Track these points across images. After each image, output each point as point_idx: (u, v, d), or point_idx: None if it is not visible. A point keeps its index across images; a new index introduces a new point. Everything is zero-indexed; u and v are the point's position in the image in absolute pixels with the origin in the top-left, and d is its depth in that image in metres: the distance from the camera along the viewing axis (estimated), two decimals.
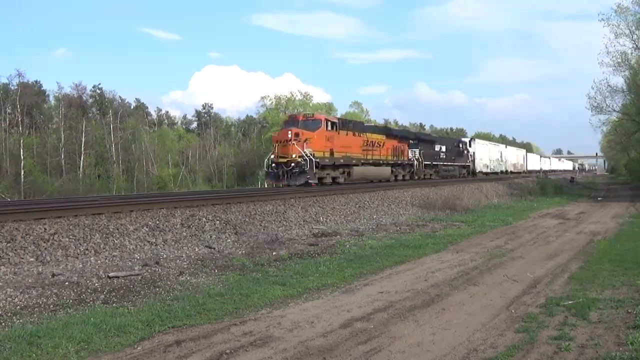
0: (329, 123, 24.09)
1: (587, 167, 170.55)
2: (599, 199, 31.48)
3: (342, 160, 24.37)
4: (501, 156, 58.17)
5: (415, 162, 32.87)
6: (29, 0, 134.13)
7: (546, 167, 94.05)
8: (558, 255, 10.89)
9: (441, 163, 37.97)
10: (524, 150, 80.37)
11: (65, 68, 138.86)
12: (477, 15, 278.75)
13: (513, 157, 65.50)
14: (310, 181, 21.73)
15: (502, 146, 63.68)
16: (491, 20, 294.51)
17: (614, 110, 40.68)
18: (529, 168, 78.83)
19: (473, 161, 46.49)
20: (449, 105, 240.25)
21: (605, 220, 18.46)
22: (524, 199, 29.39)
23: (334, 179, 24.11)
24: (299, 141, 21.86)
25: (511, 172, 62.77)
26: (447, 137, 57.78)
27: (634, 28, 34.39)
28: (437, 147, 37.93)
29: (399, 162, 30.81)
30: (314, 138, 22.31)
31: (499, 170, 56.24)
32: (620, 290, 7.57)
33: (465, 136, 70.45)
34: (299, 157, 21.59)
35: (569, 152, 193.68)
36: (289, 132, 22.28)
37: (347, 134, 24.92)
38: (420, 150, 33.56)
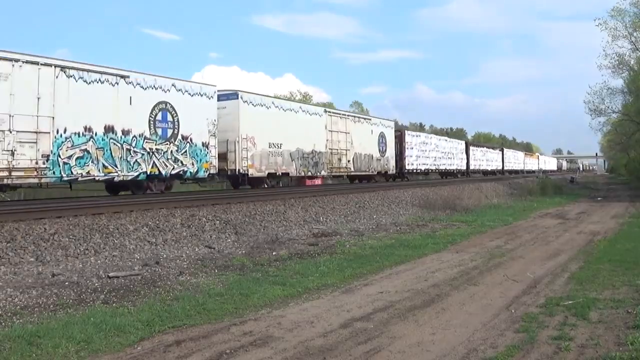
0: None
1: (582, 166, 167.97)
2: (598, 199, 31.47)
3: None
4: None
5: None
6: (29, 1, 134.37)
7: (487, 166, 56.00)
8: (558, 255, 10.89)
9: None
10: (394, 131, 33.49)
11: None
12: (476, 15, 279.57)
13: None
14: None
15: (292, 108, 22.77)
16: (490, 20, 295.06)
17: (614, 111, 40.81)
18: (456, 167, 44.31)
19: None
20: (449, 105, 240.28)
21: (605, 220, 18.45)
22: (523, 199, 29.40)
23: None
24: None
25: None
26: None
27: (632, 30, 34.40)
28: None
29: None
30: None
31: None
32: (620, 290, 7.56)
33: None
34: None
35: (569, 152, 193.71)
36: None
37: None
38: None
